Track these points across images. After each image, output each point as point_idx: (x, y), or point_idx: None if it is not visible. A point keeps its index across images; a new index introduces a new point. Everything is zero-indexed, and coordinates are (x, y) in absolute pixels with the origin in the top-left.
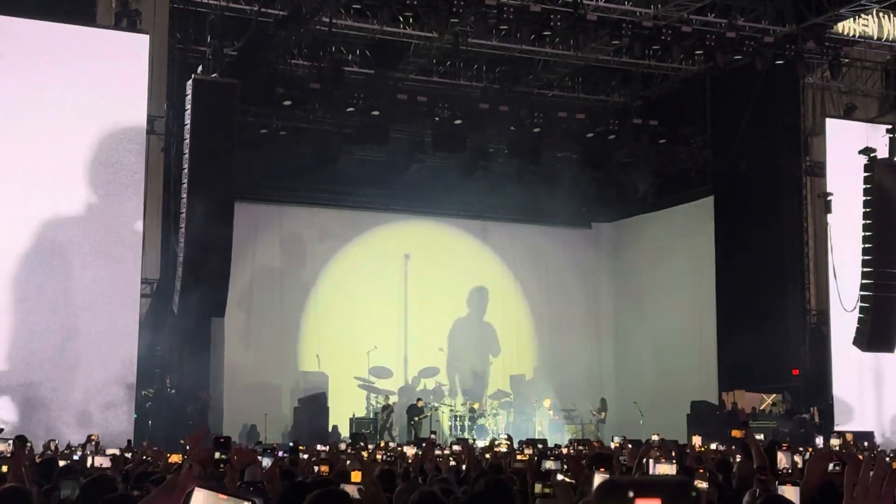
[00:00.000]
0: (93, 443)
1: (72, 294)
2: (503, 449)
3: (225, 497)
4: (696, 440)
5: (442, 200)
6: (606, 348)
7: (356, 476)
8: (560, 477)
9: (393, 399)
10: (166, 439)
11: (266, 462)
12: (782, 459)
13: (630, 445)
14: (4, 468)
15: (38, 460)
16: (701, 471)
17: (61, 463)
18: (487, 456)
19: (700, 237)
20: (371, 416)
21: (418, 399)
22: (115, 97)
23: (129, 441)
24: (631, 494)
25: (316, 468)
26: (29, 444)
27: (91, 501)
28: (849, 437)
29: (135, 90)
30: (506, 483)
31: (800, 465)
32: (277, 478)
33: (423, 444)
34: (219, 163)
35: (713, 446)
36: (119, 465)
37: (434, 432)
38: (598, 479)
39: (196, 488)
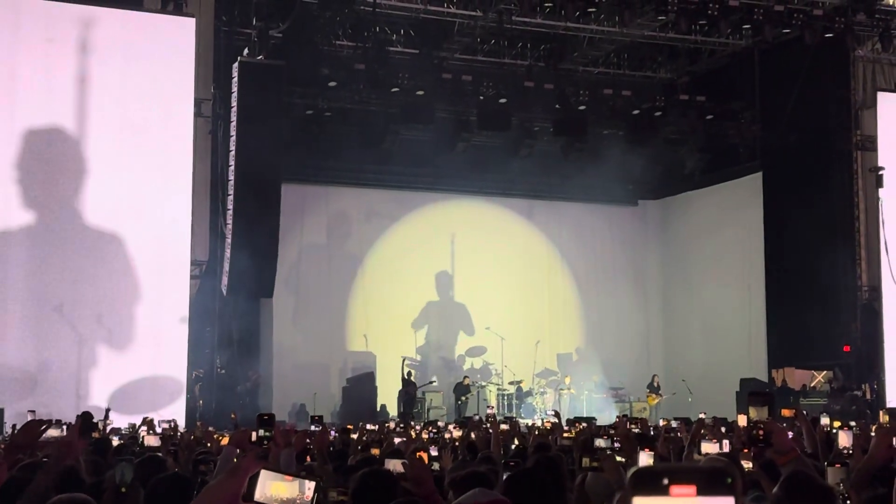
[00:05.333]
0: (147, 425)
1: (121, 276)
2: (549, 427)
3: (290, 478)
4: (742, 419)
5: (487, 179)
6: (654, 326)
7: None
8: (608, 450)
9: (435, 378)
10: (217, 419)
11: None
12: (843, 439)
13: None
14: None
15: (96, 436)
16: (746, 451)
17: (115, 442)
18: (537, 433)
19: (749, 213)
20: (419, 395)
21: (465, 377)
22: (162, 80)
23: (149, 419)
24: (665, 482)
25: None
26: (95, 422)
27: (144, 481)
28: None
29: (182, 73)
30: (555, 461)
31: (850, 445)
32: (325, 452)
33: (468, 423)
34: (265, 144)
35: None
36: (167, 445)
37: (491, 406)
38: (644, 457)
39: (262, 470)
